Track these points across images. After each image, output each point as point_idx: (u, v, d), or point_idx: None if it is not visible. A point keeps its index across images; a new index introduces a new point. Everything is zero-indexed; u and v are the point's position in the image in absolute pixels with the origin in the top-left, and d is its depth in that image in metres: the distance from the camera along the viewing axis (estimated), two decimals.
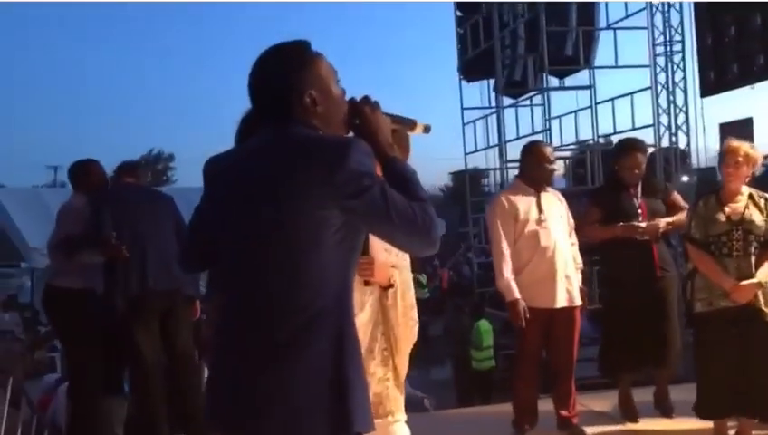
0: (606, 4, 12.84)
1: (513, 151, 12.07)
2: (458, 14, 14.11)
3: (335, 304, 1.67)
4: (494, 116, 13.26)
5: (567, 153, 13.98)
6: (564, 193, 4.61)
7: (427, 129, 2.07)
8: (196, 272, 3.10)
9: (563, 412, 4.07)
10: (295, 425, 1.61)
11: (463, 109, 14.00)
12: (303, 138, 1.70)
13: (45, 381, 7.54)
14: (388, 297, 2.89)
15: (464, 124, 13.98)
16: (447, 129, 18.46)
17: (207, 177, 1.86)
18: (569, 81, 13.38)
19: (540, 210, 4.03)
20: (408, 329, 2.98)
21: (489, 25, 12.89)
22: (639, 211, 4.24)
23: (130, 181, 4.65)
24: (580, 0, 12.62)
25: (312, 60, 1.76)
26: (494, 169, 14.13)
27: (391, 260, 2.82)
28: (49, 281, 4.65)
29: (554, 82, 13.28)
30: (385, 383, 2.90)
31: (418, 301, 3.12)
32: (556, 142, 12.13)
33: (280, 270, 1.66)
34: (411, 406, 3.62)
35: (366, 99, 1.83)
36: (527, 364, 4.13)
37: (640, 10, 12.35)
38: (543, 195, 4.09)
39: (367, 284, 2.76)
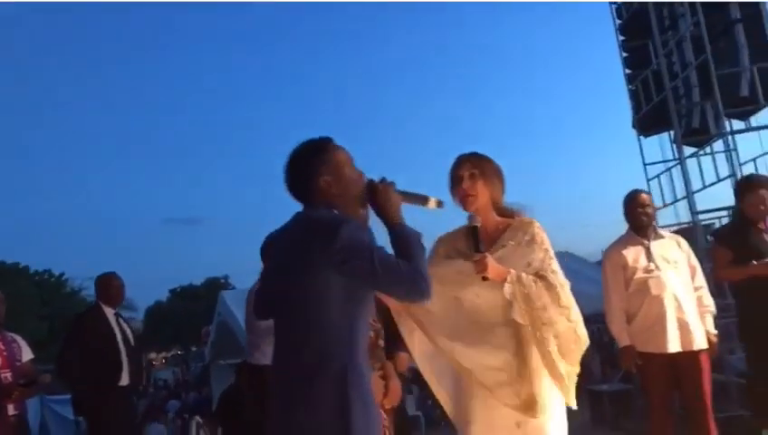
0: None
1: (702, 202, 11.57)
2: (627, 71, 13.99)
3: (341, 348, 2.03)
4: (679, 168, 12.83)
5: None
6: None
7: (439, 203, 2.35)
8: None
9: None
10: None
11: (645, 165, 13.69)
12: (312, 219, 2.13)
13: None
14: None
15: (648, 180, 13.63)
16: (633, 186, 17.82)
17: (263, 251, 2.51)
18: (755, 120, 12.63)
19: (649, 258, 4.11)
20: None
21: (659, 78, 12.69)
22: None
23: None
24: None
25: (326, 150, 2.17)
26: (688, 223, 13.51)
27: None
28: (246, 359, 5.04)
29: (741, 125, 12.62)
30: None
31: None
32: None
33: (297, 324, 2.09)
34: None
35: (382, 179, 2.22)
36: (656, 409, 4.10)
37: None
38: (656, 242, 4.16)
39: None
